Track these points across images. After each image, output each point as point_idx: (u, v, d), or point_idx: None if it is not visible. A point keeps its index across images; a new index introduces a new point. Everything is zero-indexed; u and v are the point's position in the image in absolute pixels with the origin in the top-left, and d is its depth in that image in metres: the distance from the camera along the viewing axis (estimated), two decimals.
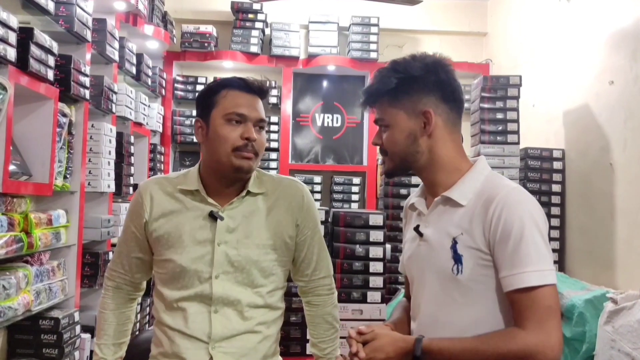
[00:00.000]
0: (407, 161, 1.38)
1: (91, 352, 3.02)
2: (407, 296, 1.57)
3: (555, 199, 3.93)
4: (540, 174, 3.95)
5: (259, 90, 1.59)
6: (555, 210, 3.92)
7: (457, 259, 1.27)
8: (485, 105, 3.77)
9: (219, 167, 1.55)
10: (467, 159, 1.39)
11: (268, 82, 5.25)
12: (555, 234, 3.90)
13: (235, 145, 1.51)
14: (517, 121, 3.76)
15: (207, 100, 1.57)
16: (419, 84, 1.36)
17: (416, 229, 1.39)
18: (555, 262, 3.85)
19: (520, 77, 3.84)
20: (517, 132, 3.74)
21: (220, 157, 1.53)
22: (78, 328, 2.94)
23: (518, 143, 3.74)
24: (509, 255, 1.22)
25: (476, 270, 1.26)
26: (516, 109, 3.77)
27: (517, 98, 3.79)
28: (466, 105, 4.99)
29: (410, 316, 1.45)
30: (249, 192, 1.59)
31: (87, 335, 3.07)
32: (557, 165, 3.95)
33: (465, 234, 1.27)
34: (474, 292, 1.27)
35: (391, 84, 1.36)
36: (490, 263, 1.26)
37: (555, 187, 3.94)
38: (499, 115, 3.76)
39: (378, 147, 1.44)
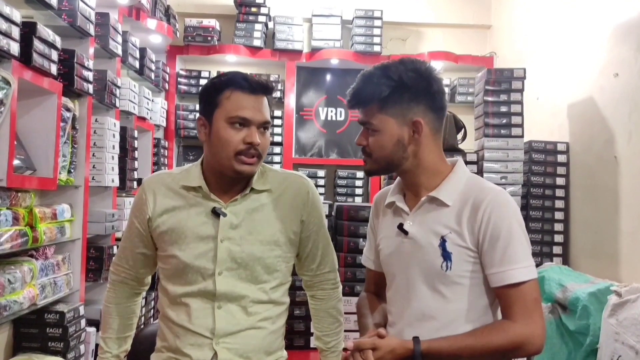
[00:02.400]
0: (391, 165, 1.44)
1: (96, 345, 3.04)
2: (368, 290, 1.64)
3: (560, 192, 3.93)
4: (545, 167, 3.94)
5: (264, 89, 1.54)
6: (559, 204, 3.92)
7: (447, 256, 1.34)
8: (489, 99, 3.76)
9: (220, 169, 1.54)
10: (446, 161, 1.46)
11: (272, 78, 5.25)
12: (559, 227, 3.89)
13: (238, 149, 1.49)
14: (521, 114, 3.74)
15: (210, 99, 1.54)
16: (410, 92, 1.39)
17: (400, 227, 1.43)
18: (559, 255, 3.86)
19: (525, 70, 3.82)
20: (521, 126, 3.73)
21: (221, 160, 1.51)
22: (83, 322, 2.96)
23: (522, 136, 3.73)
24: (499, 254, 1.30)
25: (463, 266, 1.34)
26: (520, 102, 3.76)
27: (521, 91, 3.77)
28: (470, 98, 5.03)
29: (388, 311, 1.50)
30: (252, 189, 1.58)
31: (92, 329, 3.08)
32: (561, 158, 3.94)
33: (454, 233, 1.35)
34: (460, 287, 1.35)
35: (384, 91, 1.38)
36: (476, 260, 1.34)
37: (560, 181, 3.93)
38: (503, 109, 3.75)
39: (361, 147, 1.46)
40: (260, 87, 1.54)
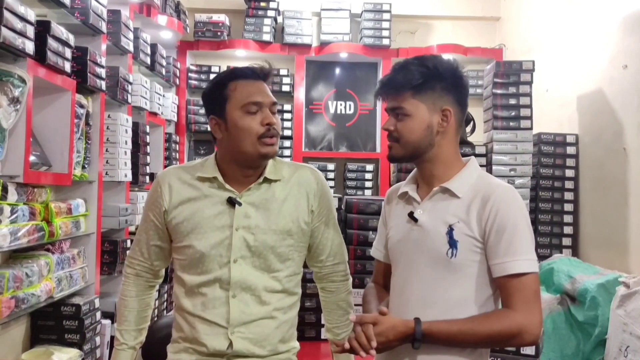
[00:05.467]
0: (418, 151, 1.48)
1: (112, 337, 3.10)
2: (376, 282, 1.68)
3: (569, 184, 3.93)
4: (554, 159, 3.94)
5: (263, 76, 1.62)
6: (568, 196, 3.93)
7: (453, 244, 1.40)
8: (498, 91, 3.77)
9: (242, 158, 1.58)
10: (461, 157, 1.52)
11: (282, 72, 5.28)
12: (568, 219, 3.90)
13: (259, 133, 1.55)
14: (530, 106, 3.75)
15: (217, 96, 1.59)
16: (443, 82, 1.46)
17: (410, 214, 1.48)
18: (568, 247, 3.87)
19: (533, 62, 3.82)
20: (530, 118, 3.74)
21: (245, 148, 1.56)
22: (98, 314, 3.02)
23: (531, 128, 3.74)
24: (503, 245, 1.35)
25: (468, 255, 1.39)
26: (529, 95, 3.76)
27: (530, 83, 3.78)
28: (479, 90, 5.03)
29: (390, 296, 1.55)
30: (265, 179, 1.62)
31: (107, 321, 3.14)
32: (570, 150, 3.95)
33: (462, 222, 1.40)
34: (463, 275, 1.40)
35: (418, 78, 1.44)
36: (481, 250, 1.39)
37: (569, 172, 3.94)
38: (512, 101, 3.76)
39: (388, 133, 1.51)
40: (260, 74, 1.61)
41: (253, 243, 1.57)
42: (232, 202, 1.58)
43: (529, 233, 1.38)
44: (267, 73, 1.63)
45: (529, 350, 2.44)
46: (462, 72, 1.50)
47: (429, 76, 1.44)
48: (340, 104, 5.60)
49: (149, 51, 4.12)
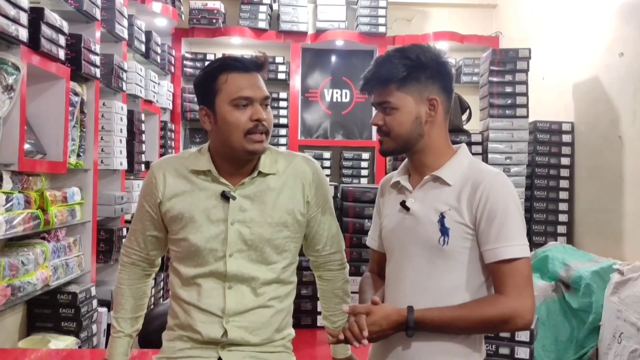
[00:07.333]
0: (409, 143, 1.48)
1: (108, 325, 3.11)
2: (372, 270, 1.69)
3: (564, 172, 3.95)
4: (550, 147, 3.95)
5: (257, 67, 1.56)
6: (564, 184, 3.94)
7: (444, 231, 1.40)
8: (494, 79, 3.76)
9: (231, 152, 1.55)
10: (451, 145, 1.52)
11: (278, 60, 5.26)
12: (563, 206, 3.92)
13: (247, 128, 1.50)
14: (526, 94, 3.74)
15: (207, 87, 1.55)
16: (427, 72, 1.45)
17: (402, 203, 1.49)
18: (563, 234, 3.89)
19: (530, 50, 3.81)
20: (526, 106, 3.73)
21: (232, 143, 1.52)
22: (95, 302, 3.02)
23: (527, 116, 3.74)
24: (495, 231, 1.36)
25: (459, 242, 1.40)
26: (525, 83, 3.76)
27: (526, 71, 3.77)
28: (475, 78, 5.02)
29: (385, 284, 1.56)
30: (259, 173, 1.59)
31: (103, 309, 3.15)
32: (566, 138, 3.96)
33: (453, 210, 1.40)
34: (455, 261, 1.41)
35: (402, 70, 1.44)
36: (473, 237, 1.40)
37: (564, 160, 3.95)
38: (508, 89, 3.75)
39: (377, 128, 1.50)
40: (252, 65, 1.55)
41: (249, 236, 1.56)
42: (226, 196, 1.56)
43: (520, 218, 1.39)
44: (261, 64, 1.57)
45: (524, 337, 2.45)
46: (445, 58, 1.49)
47: (413, 67, 1.44)
48: (336, 92, 5.58)
49: (143, 38, 4.09)
